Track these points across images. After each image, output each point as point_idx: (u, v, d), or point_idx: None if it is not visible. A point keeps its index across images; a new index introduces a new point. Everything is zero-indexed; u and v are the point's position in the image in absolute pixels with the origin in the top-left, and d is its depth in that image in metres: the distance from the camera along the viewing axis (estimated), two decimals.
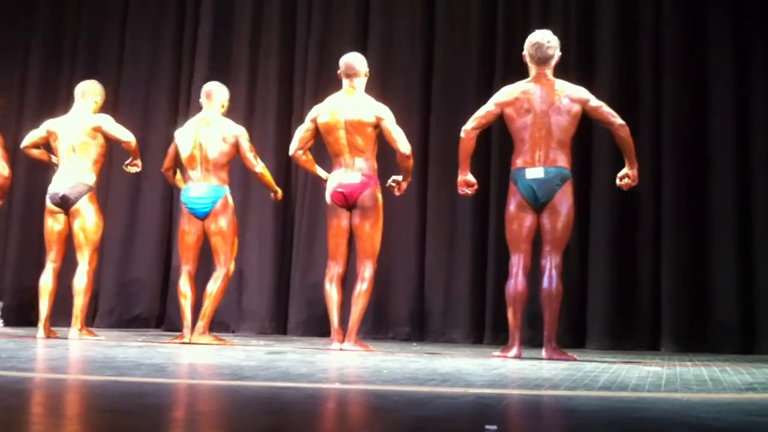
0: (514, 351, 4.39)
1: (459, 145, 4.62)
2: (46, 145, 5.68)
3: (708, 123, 5.90)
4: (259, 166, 5.34)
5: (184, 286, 5.25)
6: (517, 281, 4.43)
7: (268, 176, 5.43)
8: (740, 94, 5.85)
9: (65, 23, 7.57)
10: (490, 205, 6.18)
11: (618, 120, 4.47)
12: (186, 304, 5.22)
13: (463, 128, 4.60)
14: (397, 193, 5.07)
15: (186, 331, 5.16)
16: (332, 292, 4.86)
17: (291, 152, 5.05)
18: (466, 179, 4.66)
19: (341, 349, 4.72)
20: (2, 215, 7.21)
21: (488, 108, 4.60)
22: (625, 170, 4.54)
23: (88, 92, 5.63)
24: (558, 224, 4.42)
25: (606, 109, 4.50)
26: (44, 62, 7.51)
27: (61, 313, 5.86)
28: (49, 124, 5.64)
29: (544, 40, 4.56)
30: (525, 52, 4.60)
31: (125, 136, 5.55)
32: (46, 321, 5.42)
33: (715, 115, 5.89)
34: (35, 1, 7.60)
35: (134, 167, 5.70)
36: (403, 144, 4.84)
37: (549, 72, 4.55)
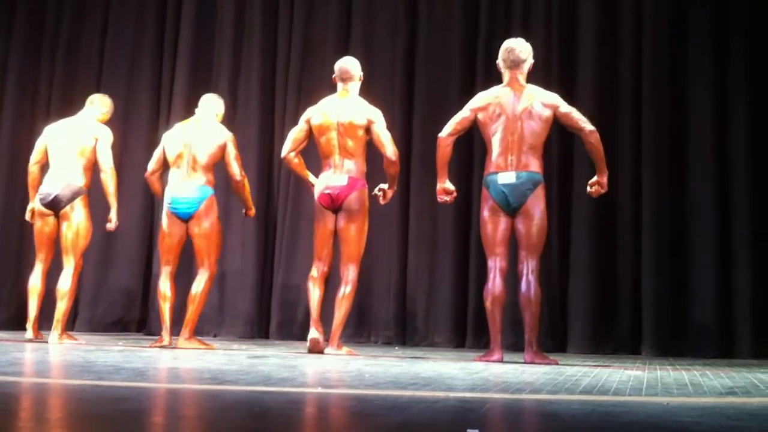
0: (495, 355, 4.40)
1: (436, 153, 4.63)
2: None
3: (688, 127, 5.93)
4: (240, 176, 5.29)
5: (164, 287, 5.21)
6: (494, 285, 4.45)
7: (248, 189, 5.39)
8: (719, 96, 5.88)
9: (44, 26, 7.51)
10: (472, 208, 6.18)
11: (588, 126, 4.48)
12: (165, 306, 5.17)
13: (439, 136, 4.62)
14: (382, 202, 5.05)
15: (165, 333, 5.12)
16: (314, 289, 4.84)
17: (283, 154, 5.04)
18: (445, 187, 4.67)
19: (324, 353, 4.71)
20: None
21: (463, 114, 4.62)
22: (595, 178, 4.55)
23: (97, 101, 5.71)
24: (532, 229, 4.44)
25: (576, 115, 4.51)
26: (23, 64, 7.45)
27: (42, 316, 5.82)
28: (48, 128, 5.68)
29: (515, 44, 4.62)
30: (498, 60, 4.64)
31: (106, 163, 5.51)
32: (34, 322, 5.39)
33: (694, 118, 5.92)
34: (14, 4, 7.54)
35: (109, 223, 5.59)
36: (390, 149, 4.85)
37: (522, 77, 4.59)
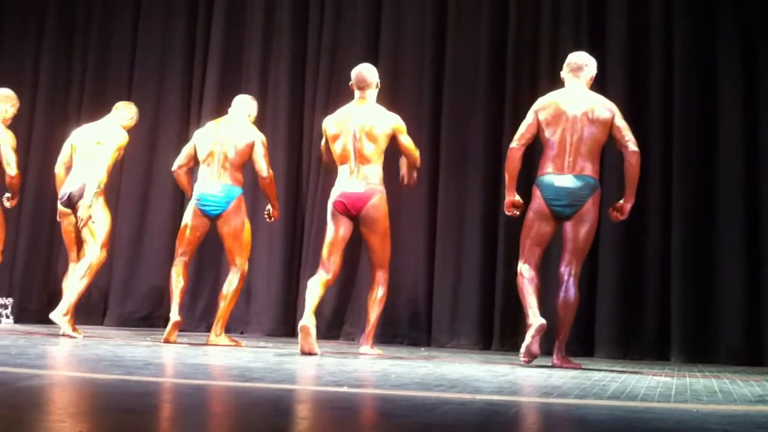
0: (537, 323, 4.18)
1: (505, 166, 4.56)
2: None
3: (718, 134, 5.85)
4: (267, 174, 5.28)
5: (178, 275, 5.22)
6: (532, 273, 4.36)
7: (274, 188, 5.38)
8: (749, 100, 5.79)
9: (76, 25, 7.58)
10: (500, 210, 6.14)
11: (633, 146, 4.42)
12: (177, 291, 5.17)
13: (510, 147, 4.55)
14: (407, 182, 5.02)
15: (172, 314, 5.10)
16: (314, 289, 4.67)
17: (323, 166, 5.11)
18: (514, 200, 4.54)
19: (360, 354, 4.73)
20: (12, 215, 7.24)
21: (528, 121, 4.53)
22: (620, 202, 4.48)
23: (122, 108, 5.80)
24: (583, 234, 4.37)
25: (627, 132, 4.45)
26: (55, 64, 7.51)
27: (80, 312, 5.87)
28: (74, 132, 5.76)
29: (581, 53, 4.67)
30: (563, 70, 4.64)
31: (103, 162, 5.50)
32: (70, 318, 5.42)
33: (724, 126, 5.84)
34: (45, 3, 7.62)
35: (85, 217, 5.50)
36: (417, 153, 5.00)
37: (584, 83, 4.57)
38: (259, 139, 5.32)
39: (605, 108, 4.47)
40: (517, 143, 4.53)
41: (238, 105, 5.47)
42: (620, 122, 4.47)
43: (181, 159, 5.44)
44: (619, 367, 4.63)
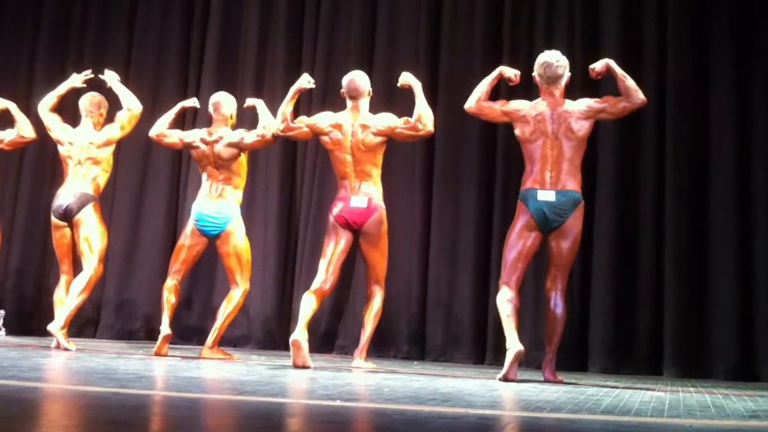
0: (514, 350, 4.16)
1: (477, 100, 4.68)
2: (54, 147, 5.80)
3: (710, 147, 5.86)
4: (268, 130, 5.18)
5: (170, 292, 5.21)
6: (510, 293, 4.31)
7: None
8: (742, 116, 5.81)
9: (70, 33, 7.55)
10: (494, 224, 6.16)
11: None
12: (168, 306, 5.17)
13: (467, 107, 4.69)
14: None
15: (163, 327, 5.10)
16: (309, 300, 4.68)
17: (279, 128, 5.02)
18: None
19: (354, 367, 4.73)
20: (5, 225, 7.22)
21: (501, 103, 4.59)
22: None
23: (92, 108, 5.74)
24: (567, 248, 4.39)
25: (613, 98, 4.51)
26: (48, 71, 7.48)
27: (72, 324, 5.83)
28: (66, 134, 5.71)
29: (553, 59, 4.53)
30: (534, 73, 4.58)
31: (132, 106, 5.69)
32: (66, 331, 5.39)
33: (717, 139, 5.84)
34: (40, 7, 7.62)
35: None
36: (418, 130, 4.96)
37: (558, 93, 4.52)
38: (243, 133, 5.28)
39: (581, 118, 4.44)
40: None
41: (219, 111, 5.39)
42: (601, 101, 4.50)
43: (162, 129, 5.49)
44: (613, 382, 4.63)
